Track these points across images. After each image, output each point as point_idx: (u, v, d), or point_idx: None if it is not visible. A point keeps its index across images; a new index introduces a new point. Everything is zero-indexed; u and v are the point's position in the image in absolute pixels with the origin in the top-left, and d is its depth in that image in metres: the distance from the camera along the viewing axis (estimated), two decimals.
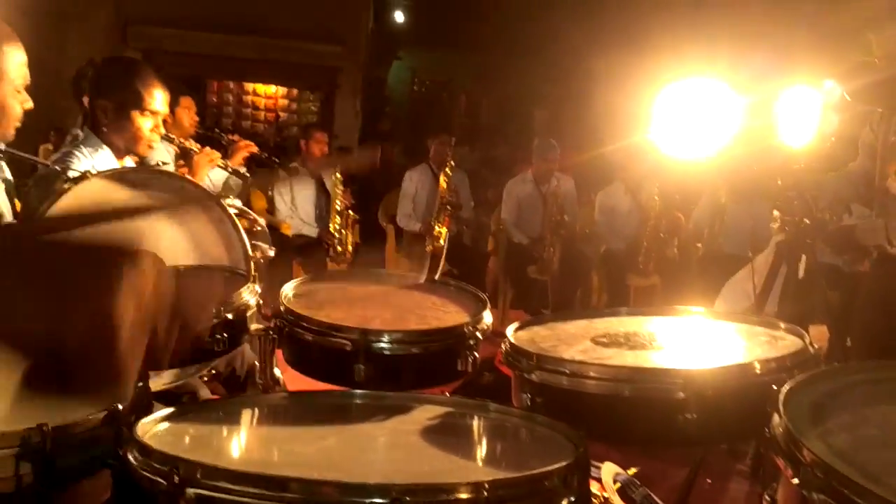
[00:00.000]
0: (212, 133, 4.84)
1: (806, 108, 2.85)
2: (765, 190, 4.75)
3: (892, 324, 3.02)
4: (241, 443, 1.30)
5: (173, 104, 4.39)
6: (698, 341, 1.71)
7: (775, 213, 3.10)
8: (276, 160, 5.18)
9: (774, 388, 1.22)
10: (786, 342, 1.59)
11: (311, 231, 6.28)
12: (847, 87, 2.85)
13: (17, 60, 1.95)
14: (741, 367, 1.45)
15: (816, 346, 1.55)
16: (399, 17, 14.77)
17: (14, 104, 1.96)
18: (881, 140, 3.13)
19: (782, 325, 1.68)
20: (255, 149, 4.40)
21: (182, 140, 4.06)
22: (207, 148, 3.80)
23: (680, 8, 7.90)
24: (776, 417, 1.12)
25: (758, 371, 1.42)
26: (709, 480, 3.09)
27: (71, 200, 2.09)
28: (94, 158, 2.56)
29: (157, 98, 2.66)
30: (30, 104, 2.03)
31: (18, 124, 2.05)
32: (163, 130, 2.78)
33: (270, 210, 6.32)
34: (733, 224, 5.57)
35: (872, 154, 3.16)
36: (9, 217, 2.12)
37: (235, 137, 4.49)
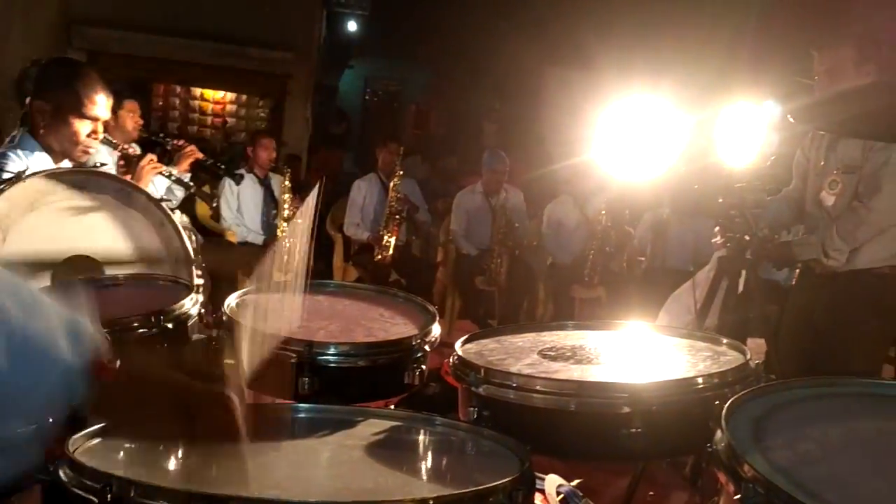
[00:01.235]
0: (157, 138, 4.75)
1: (747, 127, 2.93)
2: (706, 207, 4.86)
3: (814, 335, 3.12)
4: (177, 459, 1.26)
5: (117, 107, 4.30)
6: (643, 355, 1.73)
7: (717, 229, 3.17)
8: (222, 166, 5.10)
9: (717, 403, 1.24)
10: (728, 357, 1.62)
11: (257, 239, 6.20)
12: (787, 108, 2.94)
13: None
14: (684, 382, 1.47)
15: (757, 362, 1.58)
16: (352, 26, 14.74)
17: None
18: (812, 163, 3.25)
19: (724, 340, 1.71)
20: (200, 155, 4.34)
21: (125, 147, 3.99)
22: (150, 155, 3.73)
23: (627, 27, 8.06)
24: (719, 433, 1.13)
25: (700, 386, 1.43)
26: (651, 493, 3.13)
27: (4, 202, 2.02)
28: (28, 161, 2.48)
29: (99, 103, 2.58)
30: None
31: None
32: (101, 136, 2.71)
33: (215, 217, 6.22)
34: (676, 239, 5.70)
35: (805, 177, 3.28)
36: None
37: (181, 143, 4.41)
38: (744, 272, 3.12)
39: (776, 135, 2.95)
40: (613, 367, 1.60)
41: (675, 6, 7.75)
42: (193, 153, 4.27)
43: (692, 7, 7.69)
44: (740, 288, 3.14)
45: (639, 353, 1.75)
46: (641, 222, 6.10)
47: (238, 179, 5.58)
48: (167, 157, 4.34)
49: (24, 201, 2.06)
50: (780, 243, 3.24)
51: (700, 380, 1.45)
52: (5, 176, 2.20)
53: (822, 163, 3.20)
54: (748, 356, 1.57)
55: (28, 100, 2.65)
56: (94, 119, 2.57)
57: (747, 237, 3.06)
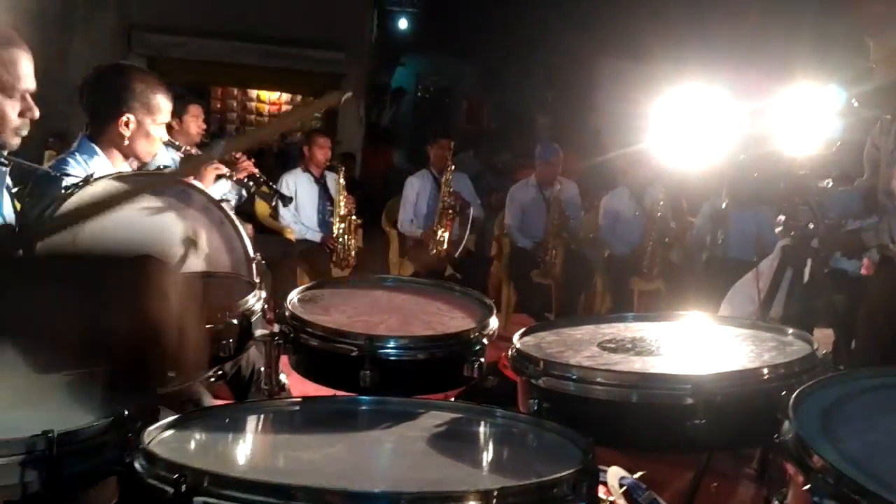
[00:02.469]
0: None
1: (809, 112, 2.85)
2: (767, 196, 4.75)
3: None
4: (247, 450, 1.29)
5: (182, 112, 4.44)
6: (706, 347, 1.71)
7: (780, 217, 3.09)
8: (273, 185, 5.29)
9: (784, 394, 1.21)
10: (794, 347, 1.58)
11: (315, 236, 6.29)
12: (851, 93, 2.84)
13: (17, 67, 1.93)
14: (749, 373, 1.44)
15: (824, 352, 1.54)
16: (402, 23, 14.82)
17: (10, 111, 1.94)
18: (883, 151, 3.13)
19: (790, 330, 1.67)
20: (255, 170, 4.48)
21: (187, 148, 4.10)
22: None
23: (681, 14, 7.91)
24: (786, 424, 1.11)
25: (766, 376, 1.41)
26: (715, 483, 3.08)
27: (74, 205, 2.09)
28: (89, 165, 2.58)
29: (168, 110, 2.74)
30: (34, 113, 2.01)
31: (23, 132, 2.04)
32: (166, 137, 2.84)
33: (274, 215, 6.33)
34: (738, 229, 5.57)
35: (876, 166, 3.16)
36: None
37: (239, 155, 4.53)
38: (809, 261, 3.03)
39: (841, 120, 2.86)
40: (676, 359, 1.58)
41: None
42: (249, 168, 4.40)
43: None
44: (805, 277, 3.06)
45: (701, 345, 1.72)
46: (700, 212, 5.98)
47: (287, 202, 5.76)
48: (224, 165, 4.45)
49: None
50: (848, 231, 3.14)
51: (766, 370, 1.42)
52: (67, 181, 2.27)
53: (893, 149, 3.09)
54: (815, 346, 1.54)
55: (91, 107, 2.75)
56: (166, 124, 2.72)
57: (811, 225, 2.98)
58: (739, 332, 1.74)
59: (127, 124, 2.64)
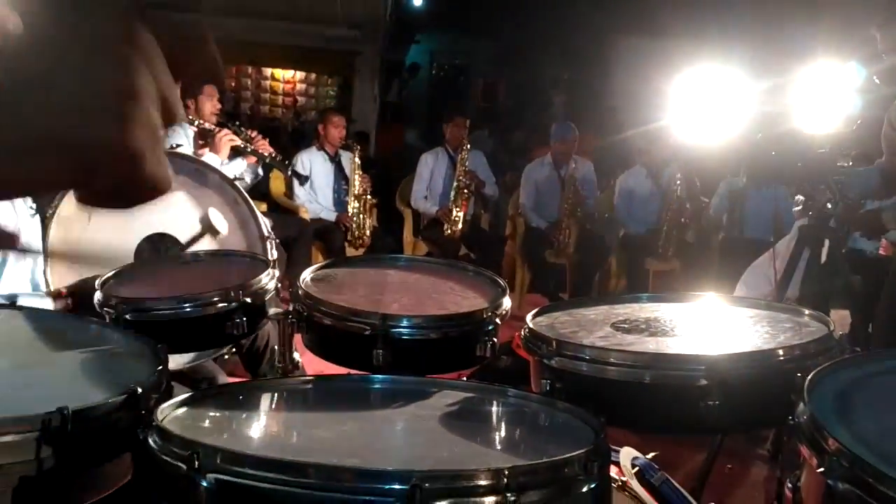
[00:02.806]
0: (231, 125, 4.88)
1: (829, 90, 2.81)
2: (785, 175, 4.70)
3: None
4: (260, 427, 1.30)
5: (196, 91, 4.47)
6: (721, 327, 1.69)
7: (798, 197, 3.07)
8: (287, 162, 5.39)
9: (799, 375, 1.20)
10: (810, 329, 1.57)
11: (330, 215, 6.30)
12: (872, 69, 2.80)
13: None
14: (764, 354, 1.43)
15: (841, 333, 1.53)
16: (417, 1, 14.70)
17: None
18: None
19: (807, 311, 1.66)
20: (270, 149, 4.58)
21: (201, 122, 4.18)
22: (224, 130, 3.93)
23: None
24: (801, 405, 1.10)
25: (781, 358, 1.39)
26: (728, 465, 3.08)
27: None
28: None
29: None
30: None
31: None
32: None
33: (289, 194, 6.34)
34: (755, 209, 5.53)
35: (894, 146, 3.12)
36: (29, 202, 2.14)
37: (254, 134, 4.56)
38: (827, 241, 3.01)
39: (861, 98, 2.82)
40: (690, 339, 1.57)
41: None
42: (265, 146, 4.49)
43: None
44: (823, 258, 3.03)
45: (716, 325, 1.71)
46: (717, 191, 5.93)
47: (303, 181, 5.81)
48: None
49: None
50: (867, 211, 3.11)
51: (781, 351, 1.41)
52: None
53: None
54: (832, 327, 1.52)
55: None
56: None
57: (830, 205, 2.95)
58: (755, 313, 1.73)
59: None
